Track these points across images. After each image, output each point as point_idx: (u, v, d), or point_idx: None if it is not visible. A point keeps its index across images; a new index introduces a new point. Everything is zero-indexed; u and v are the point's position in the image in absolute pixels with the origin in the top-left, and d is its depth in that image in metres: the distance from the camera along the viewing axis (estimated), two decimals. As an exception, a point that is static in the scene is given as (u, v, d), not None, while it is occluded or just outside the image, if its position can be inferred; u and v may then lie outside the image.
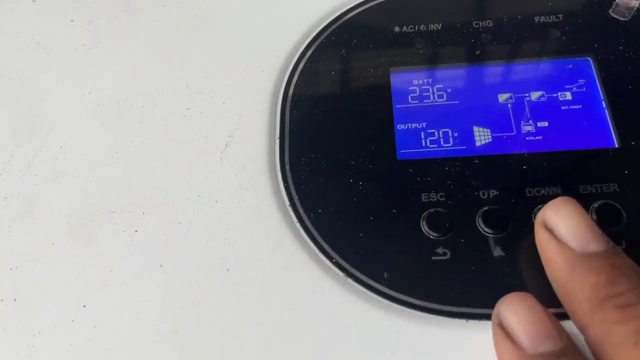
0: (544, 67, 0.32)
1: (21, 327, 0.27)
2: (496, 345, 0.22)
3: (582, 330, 0.22)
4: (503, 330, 0.22)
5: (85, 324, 0.27)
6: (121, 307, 0.27)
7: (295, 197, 0.29)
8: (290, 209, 0.29)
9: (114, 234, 0.29)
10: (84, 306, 0.27)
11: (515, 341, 0.21)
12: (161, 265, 0.28)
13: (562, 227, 0.23)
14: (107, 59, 0.35)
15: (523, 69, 0.32)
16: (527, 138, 0.30)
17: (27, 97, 0.34)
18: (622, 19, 0.33)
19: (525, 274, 0.26)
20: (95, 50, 0.35)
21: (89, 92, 0.33)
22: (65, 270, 0.28)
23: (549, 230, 0.24)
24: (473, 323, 0.25)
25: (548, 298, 0.23)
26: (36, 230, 0.29)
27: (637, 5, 0.33)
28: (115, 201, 0.30)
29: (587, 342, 0.22)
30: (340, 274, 0.27)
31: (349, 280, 0.26)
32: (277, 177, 0.30)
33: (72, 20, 0.36)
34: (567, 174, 0.28)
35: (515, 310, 0.22)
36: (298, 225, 0.28)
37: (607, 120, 0.30)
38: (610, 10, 0.33)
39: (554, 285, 0.24)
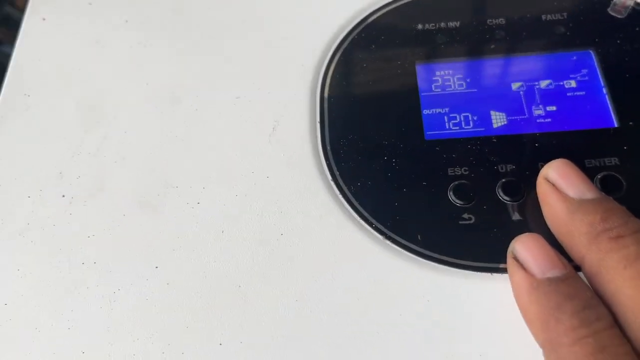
0: (550, 59, 0.36)
1: (102, 286, 0.31)
2: (511, 274, 0.26)
3: (580, 261, 0.26)
4: (517, 262, 0.26)
5: (158, 282, 0.30)
6: (189, 267, 0.31)
7: (337, 173, 0.33)
8: (332, 183, 0.33)
9: (178, 206, 0.33)
10: (156, 267, 0.31)
11: (527, 269, 0.26)
12: (223, 232, 0.31)
13: (562, 181, 0.28)
14: (161, 55, 0.39)
15: (532, 60, 0.36)
16: (537, 120, 0.34)
17: (91, 89, 0.38)
18: (619, 16, 0.37)
19: (539, 233, 0.30)
20: (150, 47, 0.39)
21: (147, 84, 0.37)
22: (136, 237, 0.32)
23: (551, 184, 0.28)
24: (497, 276, 0.29)
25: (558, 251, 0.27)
26: (108, 203, 0.33)
27: (632, 5, 0.37)
28: (177, 177, 0.33)
29: (583, 270, 0.26)
30: (380, 237, 0.31)
31: (388, 242, 0.31)
32: (319, 156, 0.34)
33: (126, 21, 0.41)
34: (574, 150, 0.32)
35: (527, 245, 0.26)
36: (340, 196, 0.32)
37: (607, 103, 0.34)
38: (608, 9, 0.37)
39: (554, 227, 0.28)
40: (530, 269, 0.26)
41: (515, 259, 0.26)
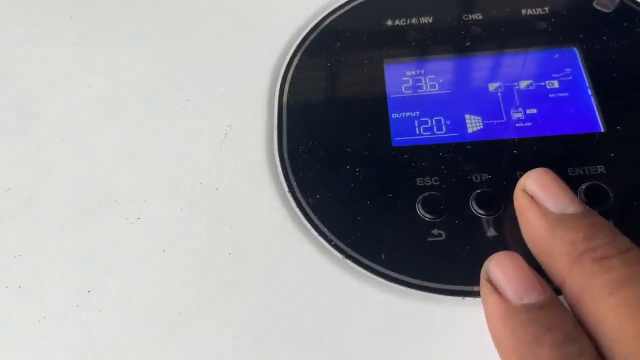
0: (531, 57, 0.33)
1: (28, 312, 0.27)
2: (484, 299, 0.23)
3: (561, 284, 0.23)
4: (491, 285, 0.23)
5: (90, 308, 0.27)
6: (125, 291, 0.27)
7: (294, 184, 0.30)
8: (289, 195, 0.30)
9: (117, 222, 0.29)
10: (89, 291, 0.28)
11: (502, 294, 0.22)
12: (164, 251, 0.28)
13: (542, 193, 0.25)
14: (107, 53, 0.35)
15: (511, 59, 0.33)
16: (517, 124, 0.31)
17: (30, 90, 0.34)
18: (605, 10, 0.34)
19: (517, 251, 0.26)
20: (96, 44, 0.36)
21: (90, 86, 0.34)
22: (68, 257, 0.29)
23: (529, 196, 0.25)
24: (469, 300, 0.26)
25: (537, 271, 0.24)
26: (40, 219, 0.30)
27: (619, -2, 0.34)
28: (117, 190, 0.30)
29: (565, 294, 0.23)
30: (340, 255, 0.28)
31: (348, 261, 0.27)
32: (276, 164, 0.31)
33: (71, 17, 0.37)
34: (556, 157, 0.29)
35: (502, 266, 0.23)
36: (297, 210, 0.29)
37: (593, 106, 0.31)
38: (594, 2, 0.34)
39: (533, 245, 0.25)
40: (505, 293, 0.23)
41: (489, 281, 0.23)
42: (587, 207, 0.25)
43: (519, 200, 0.26)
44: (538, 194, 0.25)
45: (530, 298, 0.22)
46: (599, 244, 0.22)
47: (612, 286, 0.21)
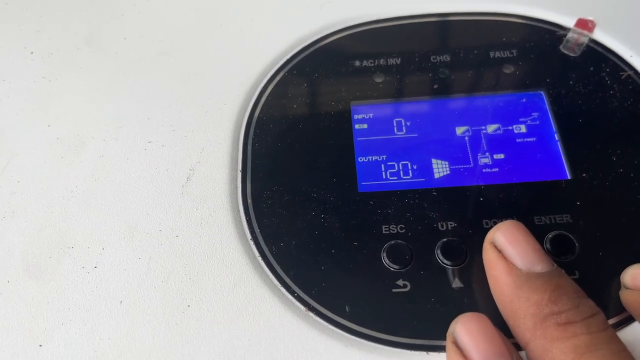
0: (499, 100, 0.33)
1: (-27, 369, 0.26)
2: None
3: (524, 346, 0.23)
4: (457, 348, 0.22)
5: (41, 364, 0.26)
6: (79, 345, 0.26)
7: (257, 231, 0.29)
8: (252, 243, 0.29)
9: (73, 270, 0.28)
10: (40, 346, 0.26)
11: (467, 357, 0.22)
12: (121, 302, 0.27)
13: (510, 248, 0.24)
14: (67, 92, 0.34)
15: (479, 102, 0.33)
16: (483, 170, 0.30)
17: (-15, 130, 0.33)
18: (572, 54, 0.34)
19: (484, 305, 0.26)
20: (56, 82, 0.35)
21: (48, 125, 0.33)
22: (20, 308, 0.27)
23: (498, 251, 0.25)
24: (433, 355, 0.25)
25: (505, 327, 0.24)
26: (-9, 267, 0.29)
27: (586, 42, 0.34)
28: (74, 236, 0.29)
29: (527, 357, 0.23)
30: (302, 308, 0.27)
31: (311, 314, 0.27)
32: (239, 210, 0.30)
33: (32, 52, 0.36)
34: (522, 205, 0.29)
35: (469, 329, 0.22)
36: (260, 259, 0.28)
37: (559, 152, 0.31)
38: (560, 46, 0.34)
39: (499, 303, 0.25)
40: (471, 357, 0.22)
41: (455, 343, 0.23)
42: (555, 266, 0.24)
43: (488, 254, 0.25)
44: (507, 250, 0.25)
45: None
46: (563, 308, 0.22)
47: (575, 353, 0.21)
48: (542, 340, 0.22)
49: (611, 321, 0.25)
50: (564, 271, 0.24)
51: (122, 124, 0.33)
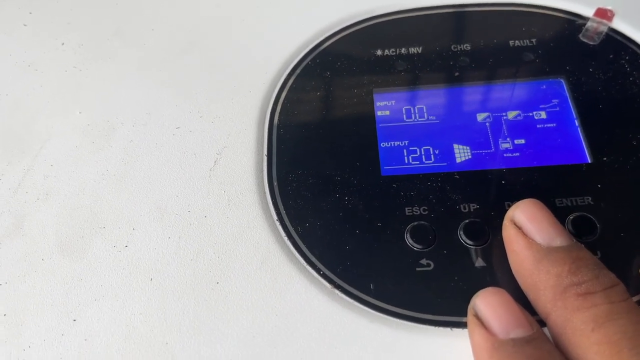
0: (519, 88, 0.34)
1: (11, 342, 0.27)
2: (470, 333, 0.23)
3: (545, 317, 0.23)
4: (477, 319, 0.23)
5: (76, 337, 0.27)
6: (111, 320, 0.27)
7: (283, 212, 0.30)
8: (278, 224, 0.29)
9: (104, 249, 0.29)
10: (74, 320, 0.27)
11: (488, 328, 0.22)
12: (151, 279, 0.28)
13: (529, 225, 0.25)
14: (97, 80, 0.35)
15: (500, 89, 0.34)
16: (505, 155, 0.31)
17: (19, 116, 0.34)
18: (591, 43, 0.35)
19: (506, 283, 0.26)
20: (86, 72, 0.36)
21: (80, 112, 0.34)
22: (55, 285, 0.28)
23: (518, 227, 0.25)
24: (457, 331, 0.26)
25: (526, 305, 0.24)
26: (26, 246, 0.29)
27: (605, 30, 0.35)
28: (105, 217, 0.30)
29: (549, 328, 0.23)
30: (328, 285, 0.27)
31: (336, 291, 0.27)
32: (265, 192, 0.30)
33: (63, 44, 0.37)
34: (544, 188, 0.29)
35: (489, 302, 0.23)
36: (286, 239, 0.29)
37: (579, 137, 0.31)
38: (580, 35, 0.35)
39: (519, 277, 0.25)
40: (491, 328, 0.22)
41: (476, 316, 0.23)
42: (575, 240, 0.25)
43: (507, 231, 0.26)
44: (526, 226, 0.25)
45: (517, 332, 0.22)
46: (583, 279, 0.22)
47: (595, 322, 0.21)
48: (562, 311, 0.22)
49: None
50: (583, 245, 0.25)
51: (150, 110, 0.34)
